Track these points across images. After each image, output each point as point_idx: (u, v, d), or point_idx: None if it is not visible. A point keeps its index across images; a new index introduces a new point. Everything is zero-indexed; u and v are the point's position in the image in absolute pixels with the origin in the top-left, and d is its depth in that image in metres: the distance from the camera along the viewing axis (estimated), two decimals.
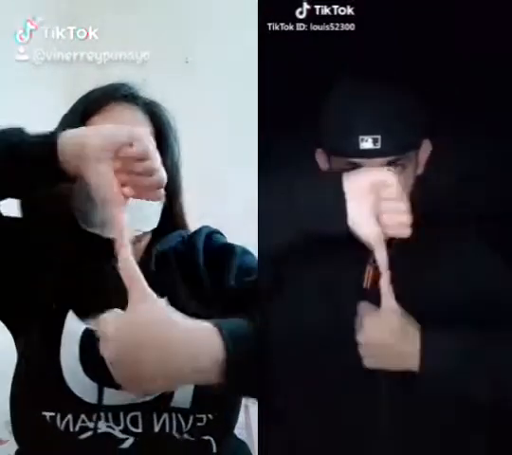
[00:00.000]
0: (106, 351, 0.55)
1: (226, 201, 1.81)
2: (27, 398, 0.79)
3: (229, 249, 0.86)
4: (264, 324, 0.65)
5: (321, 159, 0.75)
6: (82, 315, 0.78)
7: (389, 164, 0.69)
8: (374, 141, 0.67)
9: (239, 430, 0.88)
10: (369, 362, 0.67)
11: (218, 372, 0.57)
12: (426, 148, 0.73)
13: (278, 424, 0.78)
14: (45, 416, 0.76)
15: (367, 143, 0.67)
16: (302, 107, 0.78)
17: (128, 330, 0.55)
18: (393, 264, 0.72)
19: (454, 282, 0.73)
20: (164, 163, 0.82)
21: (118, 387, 0.74)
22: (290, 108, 0.79)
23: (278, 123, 0.76)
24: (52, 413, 0.76)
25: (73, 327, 0.77)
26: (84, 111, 0.79)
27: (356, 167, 0.68)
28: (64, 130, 0.79)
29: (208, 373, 0.57)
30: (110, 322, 0.56)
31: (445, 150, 0.74)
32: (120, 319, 0.57)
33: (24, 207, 0.83)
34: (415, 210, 0.64)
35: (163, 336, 0.55)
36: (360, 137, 0.67)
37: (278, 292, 0.77)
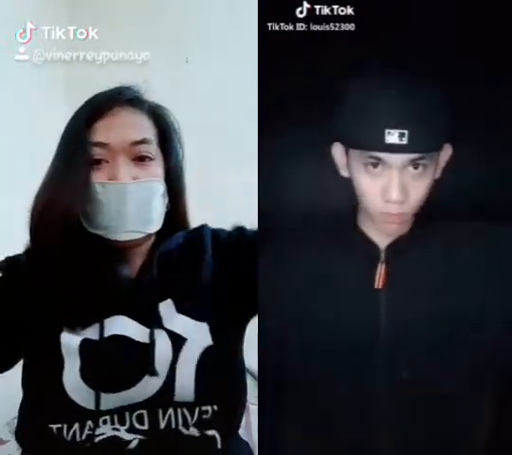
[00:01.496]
0: None
1: (226, 201, 1.81)
2: (34, 412, 0.80)
3: None
4: (264, 324, 0.65)
5: (338, 154, 0.73)
6: (83, 319, 0.78)
7: (411, 162, 0.67)
8: (401, 136, 0.65)
9: (239, 431, 0.88)
10: None
11: None
12: (446, 152, 0.72)
13: (278, 424, 0.78)
14: (51, 428, 0.76)
15: (393, 137, 0.65)
16: (303, 107, 0.78)
17: None
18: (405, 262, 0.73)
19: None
20: (168, 165, 0.83)
21: (114, 391, 0.75)
22: (291, 108, 0.79)
23: (278, 123, 0.75)
24: (59, 425, 0.76)
25: (70, 338, 0.77)
26: (88, 116, 0.79)
27: (377, 162, 0.67)
28: (70, 135, 0.80)
29: None
30: None
31: (464, 156, 0.73)
32: None
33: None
34: (429, 212, 0.63)
35: None
36: (387, 131, 0.65)
37: (281, 293, 0.76)
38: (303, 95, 0.78)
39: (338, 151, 0.73)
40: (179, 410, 0.77)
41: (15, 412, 0.85)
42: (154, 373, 0.77)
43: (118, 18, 1.92)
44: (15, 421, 0.85)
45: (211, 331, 0.82)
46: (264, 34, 0.72)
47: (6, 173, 1.64)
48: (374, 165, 0.68)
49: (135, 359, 0.77)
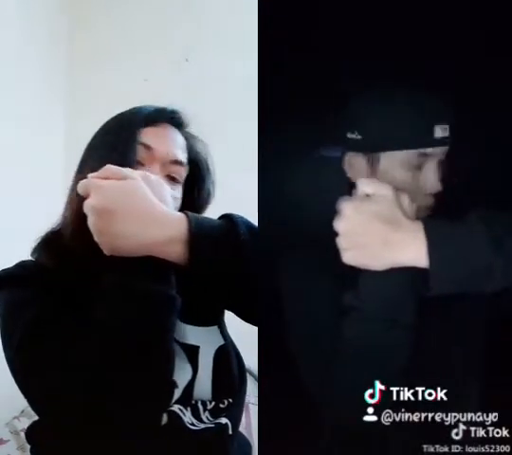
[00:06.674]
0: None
1: (225, 202, 1.81)
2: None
3: None
4: (264, 331, 0.65)
5: (357, 162, 0.74)
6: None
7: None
8: (444, 130, 0.69)
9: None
10: (349, 256, 0.60)
11: (182, 249, 0.62)
12: None
13: (278, 423, 0.78)
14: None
15: (441, 131, 0.69)
16: (303, 107, 0.78)
17: (114, 197, 0.62)
18: None
19: None
20: (196, 191, 0.87)
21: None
22: (291, 108, 0.79)
23: (279, 123, 0.76)
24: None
25: None
26: (140, 119, 0.79)
27: (422, 160, 0.70)
28: (120, 131, 0.78)
29: (173, 247, 0.62)
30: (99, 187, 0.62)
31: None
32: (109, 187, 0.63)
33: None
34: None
35: (141, 206, 0.62)
36: (437, 126, 0.69)
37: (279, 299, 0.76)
38: (304, 95, 0.78)
39: (356, 161, 0.74)
40: (200, 404, 0.80)
41: (15, 412, 0.85)
42: (174, 384, 0.78)
43: (118, 18, 1.93)
44: (15, 421, 0.85)
45: (220, 330, 0.85)
46: (264, 34, 0.72)
47: (6, 173, 1.64)
48: (417, 161, 0.70)
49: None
